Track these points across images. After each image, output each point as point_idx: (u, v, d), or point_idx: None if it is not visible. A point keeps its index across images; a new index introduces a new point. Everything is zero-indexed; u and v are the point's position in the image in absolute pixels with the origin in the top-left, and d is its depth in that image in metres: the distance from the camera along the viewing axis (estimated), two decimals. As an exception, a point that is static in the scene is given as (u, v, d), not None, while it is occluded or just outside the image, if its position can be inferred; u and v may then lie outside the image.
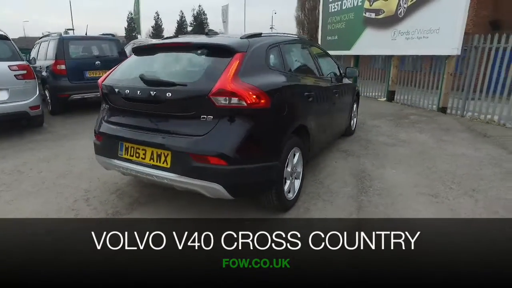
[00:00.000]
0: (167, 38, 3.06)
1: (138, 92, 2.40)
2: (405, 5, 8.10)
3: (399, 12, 8.33)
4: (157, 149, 2.35)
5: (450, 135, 5.22)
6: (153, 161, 2.37)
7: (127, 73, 2.76)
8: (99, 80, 2.78)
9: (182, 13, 58.96)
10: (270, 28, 48.95)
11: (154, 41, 3.04)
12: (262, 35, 2.83)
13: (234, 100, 2.17)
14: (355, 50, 10.14)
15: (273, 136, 2.45)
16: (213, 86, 2.19)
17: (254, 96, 2.21)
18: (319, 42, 11.83)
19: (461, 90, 7.19)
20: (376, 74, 10.26)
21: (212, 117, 2.22)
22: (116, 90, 2.57)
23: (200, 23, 56.95)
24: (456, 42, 6.77)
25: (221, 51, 2.44)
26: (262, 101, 2.26)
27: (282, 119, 2.53)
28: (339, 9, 10.75)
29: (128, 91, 2.47)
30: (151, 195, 3.04)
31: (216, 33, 3.01)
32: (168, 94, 2.28)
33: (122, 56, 6.63)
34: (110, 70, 2.85)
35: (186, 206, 2.82)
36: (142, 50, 2.91)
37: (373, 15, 9.27)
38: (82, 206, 2.86)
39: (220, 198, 2.29)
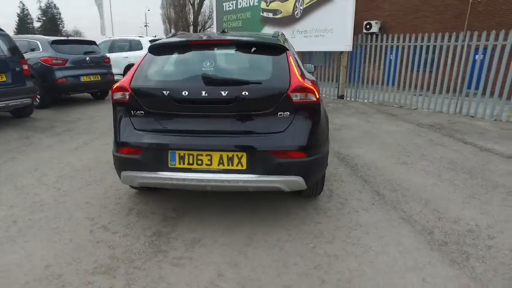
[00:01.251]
0: (189, 36, 2.87)
1: (203, 93, 2.17)
2: (301, 7, 9.19)
3: (295, 13, 9.38)
4: (228, 152, 2.19)
5: (371, 117, 6.41)
6: (223, 165, 2.20)
7: (167, 73, 2.40)
8: (124, 84, 2.32)
9: (23, 5, 48.50)
10: (145, 25, 45.62)
11: (178, 39, 2.64)
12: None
13: (307, 96, 2.24)
14: (256, 47, 10.82)
15: (327, 126, 2.64)
16: (287, 83, 2.21)
17: (318, 91, 2.33)
18: (216, 39, 12.05)
19: (353, 81, 8.81)
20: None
21: (288, 113, 2.23)
22: (164, 92, 2.22)
23: (52, 18, 48.15)
24: (348, 40, 8.20)
25: (274, 49, 2.44)
26: (319, 95, 2.41)
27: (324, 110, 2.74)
28: (234, 8, 11.19)
29: (186, 93, 2.18)
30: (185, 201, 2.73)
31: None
32: (245, 93, 2.16)
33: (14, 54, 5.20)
34: (131, 72, 2.40)
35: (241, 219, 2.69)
36: (170, 48, 2.60)
37: (270, 15, 10.10)
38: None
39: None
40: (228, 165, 2.19)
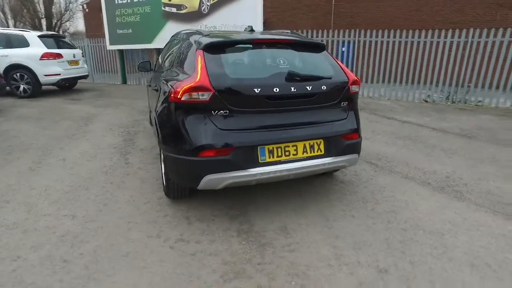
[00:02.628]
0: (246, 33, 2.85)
1: (293, 88, 2.30)
2: (208, 3, 9.29)
3: (202, 8, 9.41)
4: (310, 140, 2.41)
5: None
6: (307, 153, 2.41)
7: (245, 72, 2.37)
8: (203, 83, 2.19)
9: None
10: None
11: (240, 37, 2.52)
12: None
13: (358, 87, 2.67)
14: (159, 43, 10.29)
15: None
16: (346, 77, 2.57)
17: None
18: (106, 35, 10.81)
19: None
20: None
21: (347, 102, 2.61)
22: (255, 90, 2.24)
23: None
24: (259, 37, 8.87)
25: (317, 47, 2.73)
26: None
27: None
28: (129, 1, 10.27)
29: (277, 89, 2.26)
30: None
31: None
32: (323, 87, 2.40)
33: None
34: (200, 72, 2.26)
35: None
36: (231, 46, 2.56)
37: (174, 10, 9.78)
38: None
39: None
40: (310, 152, 2.42)
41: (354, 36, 8.65)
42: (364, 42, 8.58)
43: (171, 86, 2.42)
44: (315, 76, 2.53)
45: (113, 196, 2.94)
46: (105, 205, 2.79)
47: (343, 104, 2.61)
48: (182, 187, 2.66)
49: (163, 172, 2.78)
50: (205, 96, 2.23)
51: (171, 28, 9.79)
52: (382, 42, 8.39)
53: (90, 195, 2.95)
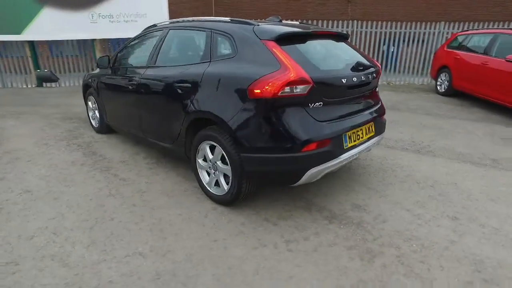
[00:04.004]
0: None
1: (363, 77, 2.47)
2: (100, -13, 7.98)
3: (92, -6, 8.01)
4: (368, 124, 2.67)
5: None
6: (367, 135, 2.67)
7: (323, 63, 2.33)
8: (302, 76, 2.13)
9: None
10: None
11: (304, 29, 2.29)
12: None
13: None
14: (31, 35, 8.24)
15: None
16: (376, 64, 2.90)
17: None
18: None
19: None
20: (71, 62, 9.17)
21: (376, 87, 2.96)
22: (343, 80, 2.31)
23: None
24: (167, 27, 8.29)
25: (346, 38, 2.95)
26: None
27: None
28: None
29: (355, 79, 2.41)
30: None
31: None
32: (374, 75, 2.68)
33: None
34: (290, 63, 2.16)
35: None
36: (298, 38, 2.50)
37: (52, -6, 7.95)
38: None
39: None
40: (369, 134, 2.70)
41: None
42: None
43: (247, 82, 2.23)
44: (367, 65, 2.78)
45: (161, 221, 2.47)
46: (162, 231, 2.35)
47: (375, 89, 2.98)
48: (248, 189, 2.49)
49: (221, 177, 2.55)
50: (303, 89, 2.19)
51: (48, 16, 8.01)
52: None
53: (131, 228, 2.40)
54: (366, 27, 9.49)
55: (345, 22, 9.44)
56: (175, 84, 2.76)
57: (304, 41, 2.49)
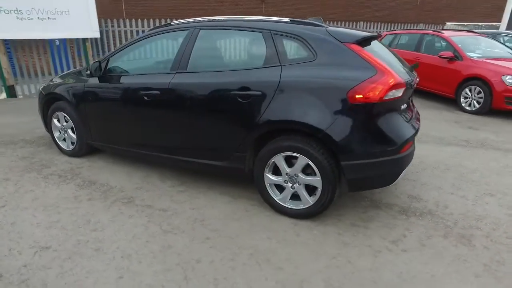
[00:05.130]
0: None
1: (415, 78, 2.60)
2: (-1, -25, 6.32)
3: (-11, -18, 6.28)
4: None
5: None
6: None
7: (393, 64, 2.31)
8: (400, 79, 2.11)
9: None
10: None
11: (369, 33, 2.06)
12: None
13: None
14: None
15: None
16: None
17: None
18: None
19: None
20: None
21: None
22: (411, 82, 2.39)
23: None
24: (94, 24, 7.18)
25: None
26: None
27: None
28: None
29: (412, 79, 2.49)
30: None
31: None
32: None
33: None
34: (381, 65, 2.15)
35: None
36: (368, 40, 2.46)
37: None
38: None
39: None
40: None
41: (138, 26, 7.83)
42: None
43: (346, 87, 2.12)
44: (407, 65, 2.90)
45: (257, 251, 2.16)
46: (269, 261, 2.06)
47: None
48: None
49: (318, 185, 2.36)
50: (400, 92, 2.20)
51: None
52: None
53: (234, 266, 2.04)
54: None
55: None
56: (233, 92, 2.42)
57: (370, 44, 2.50)
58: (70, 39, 7.41)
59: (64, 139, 3.64)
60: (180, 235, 2.29)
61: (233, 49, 2.71)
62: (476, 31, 8.53)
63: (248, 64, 2.51)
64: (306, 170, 2.35)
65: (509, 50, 6.30)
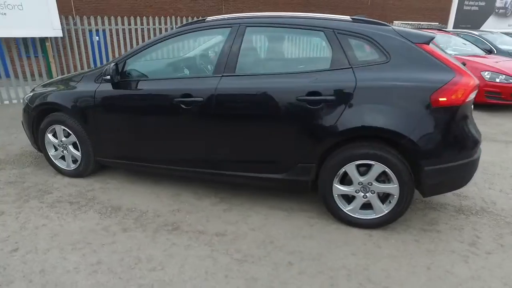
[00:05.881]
0: None
1: None
2: None
3: None
4: None
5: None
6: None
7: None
8: (477, 81, 2.06)
9: None
10: None
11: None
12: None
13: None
14: None
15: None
16: None
17: None
18: None
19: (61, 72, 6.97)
20: None
21: None
22: None
23: None
24: (55, 22, 6.31)
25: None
26: None
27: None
28: None
29: None
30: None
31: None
32: None
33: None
34: (464, 69, 2.03)
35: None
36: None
37: None
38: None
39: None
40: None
41: (104, 24, 7.10)
42: (117, 30, 7.29)
43: (429, 90, 2.01)
44: None
45: (351, 271, 1.96)
46: (370, 280, 1.87)
47: None
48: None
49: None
50: (475, 94, 2.15)
51: None
52: (130, 30, 7.47)
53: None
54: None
55: None
56: (300, 97, 2.18)
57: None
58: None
59: (63, 157, 3.06)
60: (258, 263, 2.01)
61: (288, 49, 2.45)
62: (446, 29, 9.15)
63: (311, 66, 2.29)
64: (379, 177, 2.22)
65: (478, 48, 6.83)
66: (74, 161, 3.02)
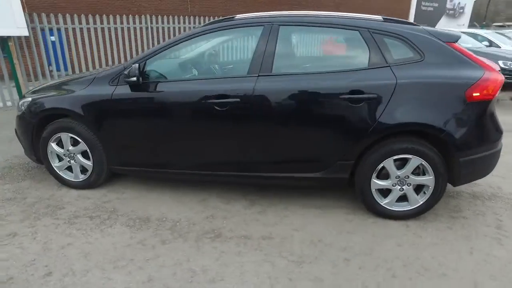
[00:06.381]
0: None
1: None
2: None
3: None
4: None
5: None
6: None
7: None
8: (503, 77, 2.20)
9: None
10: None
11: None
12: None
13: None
14: None
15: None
16: None
17: None
18: None
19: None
20: None
21: None
22: None
23: None
24: (20, 20, 5.75)
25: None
26: None
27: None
28: None
29: None
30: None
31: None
32: None
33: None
34: (487, 65, 2.16)
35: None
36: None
37: None
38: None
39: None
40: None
41: (59, 23, 6.50)
42: (74, 29, 6.72)
43: (464, 87, 2.13)
44: None
45: (411, 262, 2.01)
46: (428, 270, 1.95)
47: None
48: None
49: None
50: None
51: None
52: (89, 29, 6.88)
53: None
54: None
55: (186, 18, 8.52)
56: (343, 96, 2.20)
57: None
58: None
59: (68, 168, 2.79)
60: (316, 262, 1.99)
61: (322, 48, 2.44)
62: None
63: (348, 65, 2.30)
64: (414, 170, 2.31)
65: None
66: (83, 171, 2.77)
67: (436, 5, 11.82)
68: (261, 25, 2.37)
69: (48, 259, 2.00)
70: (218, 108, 2.32)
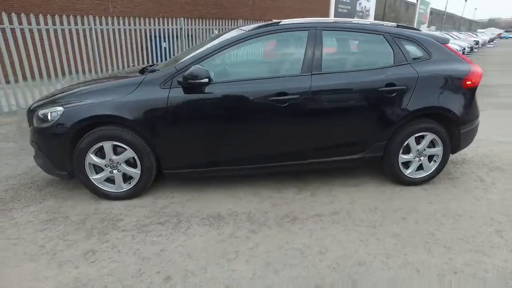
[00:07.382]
0: None
1: None
2: None
3: None
4: None
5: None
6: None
7: None
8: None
9: None
10: None
11: None
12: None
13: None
14: None
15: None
16: None
17: None
18: None
19: None
20: None
21: None
22: None
23: None
24: None
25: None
26: None
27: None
28: None
29: None
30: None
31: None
32: None
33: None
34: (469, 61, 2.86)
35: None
36: None
37: None
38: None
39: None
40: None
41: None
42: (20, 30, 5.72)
43: (461, 77, 2.81)
44: None
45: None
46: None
47: None
48: None
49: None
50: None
51: None
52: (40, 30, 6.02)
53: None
54: (130, 25, 8.05)
55: (108, 19, 7.69)
56: (381, 89, 2.66)
57: None
58: None
59: (109, 179, 2.63)
60: (384, 223, 2.41)
61: (363, 50, 2.87)
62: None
63: (380, 63, 2.76)
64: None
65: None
66: (126, 180, 2.65)
67: (349, 7, 13.69)
68: (307, 30, 2.68)
69: (154, 266, 1.96)
70: (278, 105, 2.55)
